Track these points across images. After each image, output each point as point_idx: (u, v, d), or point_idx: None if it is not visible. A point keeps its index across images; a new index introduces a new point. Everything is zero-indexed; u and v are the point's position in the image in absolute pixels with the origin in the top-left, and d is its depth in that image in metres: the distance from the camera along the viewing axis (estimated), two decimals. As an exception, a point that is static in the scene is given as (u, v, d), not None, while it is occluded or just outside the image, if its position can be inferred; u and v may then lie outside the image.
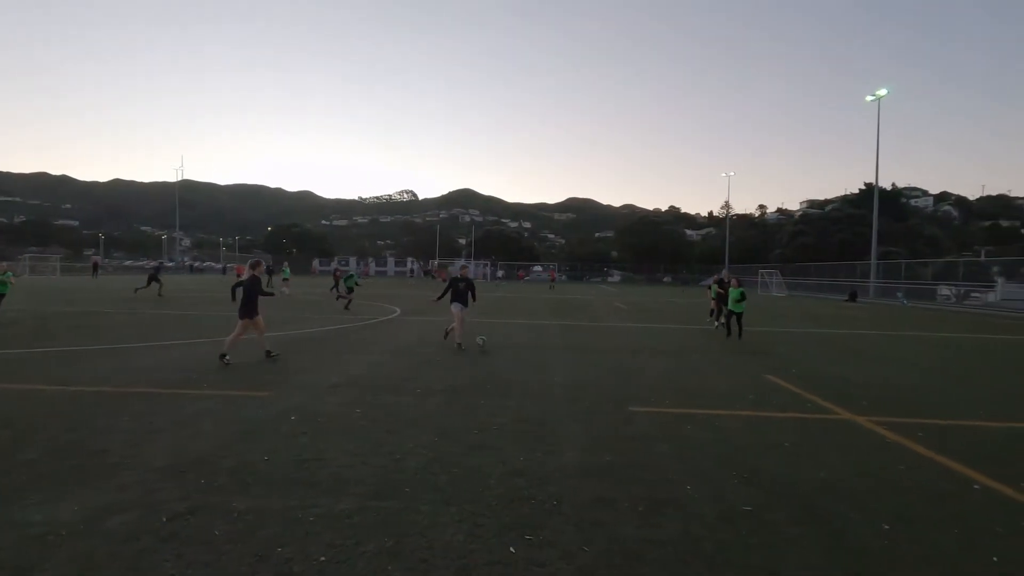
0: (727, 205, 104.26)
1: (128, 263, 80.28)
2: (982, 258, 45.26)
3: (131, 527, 3.22)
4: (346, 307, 18.34)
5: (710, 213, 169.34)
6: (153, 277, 23.64)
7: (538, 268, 78.90)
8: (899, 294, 34.46)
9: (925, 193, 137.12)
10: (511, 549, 3.08)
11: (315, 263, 76.26)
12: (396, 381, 7.44)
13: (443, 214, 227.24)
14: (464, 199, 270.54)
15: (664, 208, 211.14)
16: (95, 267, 46.93)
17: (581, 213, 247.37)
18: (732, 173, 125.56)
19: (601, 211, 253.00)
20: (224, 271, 61.15)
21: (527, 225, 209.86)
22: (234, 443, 4.73)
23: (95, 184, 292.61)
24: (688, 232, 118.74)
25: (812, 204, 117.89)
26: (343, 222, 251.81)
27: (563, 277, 72.85)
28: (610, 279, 78.57)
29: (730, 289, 12.83)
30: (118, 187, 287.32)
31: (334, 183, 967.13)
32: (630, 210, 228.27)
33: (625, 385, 7.59)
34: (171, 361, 8.52)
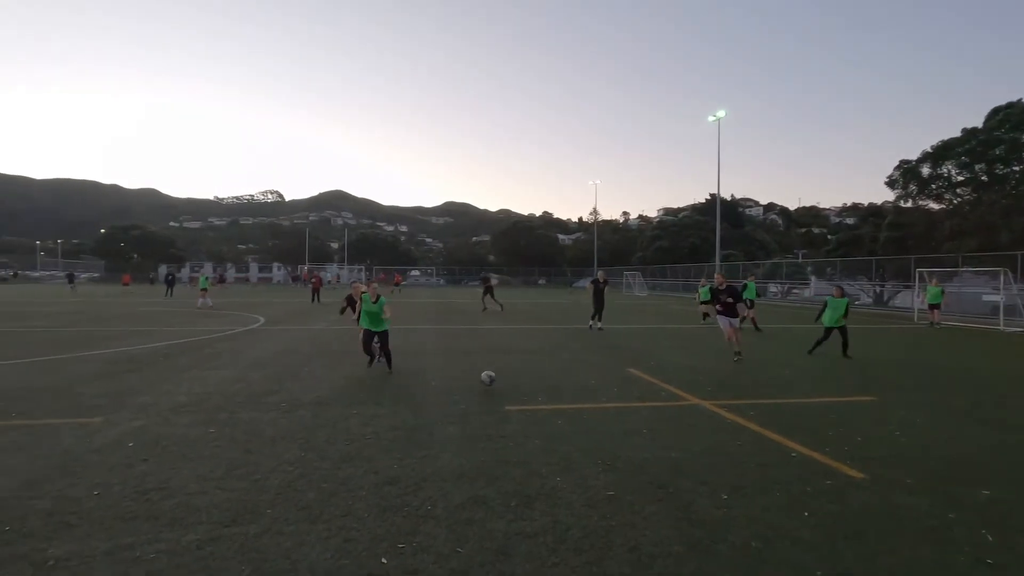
0: (595, 211, 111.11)
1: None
2: (800, 260, 53.03)
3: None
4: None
5: (580, 219, 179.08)
6: None
7: (416, 272, 77.78)
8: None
9: (756, 203, 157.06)
10: (383, 560, 3.00)
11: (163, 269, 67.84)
12: (256, 396, 6.89)
13: (313, 216, 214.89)
14: (336, 201, 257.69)
15: (538, 213, 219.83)
16: None
17: (459, 217, 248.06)
18: (598, 182, 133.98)
19: (478, 215, 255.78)
20: (72, 280, 42.44)
21: (404, 229, 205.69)
22: (51, 479, 4.06)
23: None
24: (560, 236, 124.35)
25: (668, 212, 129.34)
26: (195, 224, 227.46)
27: (441, 281, 72.71)
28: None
29: (829, 299, 10.99)
30: None
31: (184, 181, 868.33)
32: (506, 215, 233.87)
33: (502, 385, 7.74)
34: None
